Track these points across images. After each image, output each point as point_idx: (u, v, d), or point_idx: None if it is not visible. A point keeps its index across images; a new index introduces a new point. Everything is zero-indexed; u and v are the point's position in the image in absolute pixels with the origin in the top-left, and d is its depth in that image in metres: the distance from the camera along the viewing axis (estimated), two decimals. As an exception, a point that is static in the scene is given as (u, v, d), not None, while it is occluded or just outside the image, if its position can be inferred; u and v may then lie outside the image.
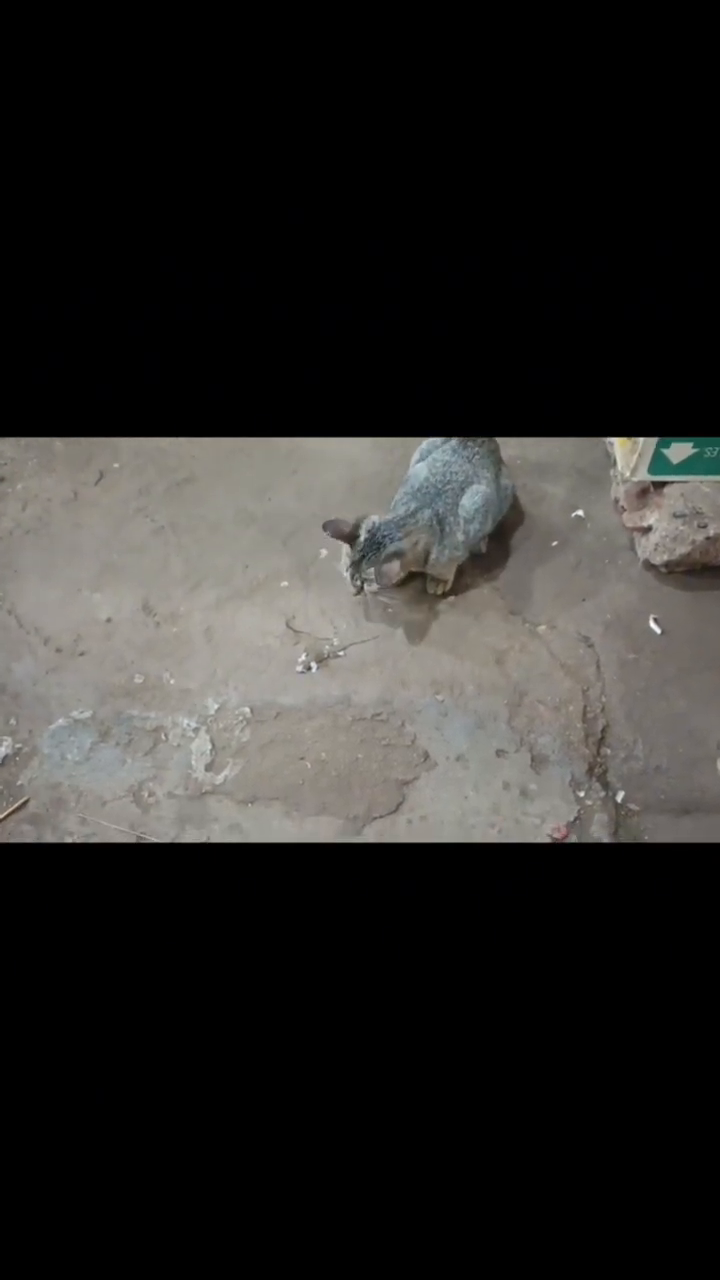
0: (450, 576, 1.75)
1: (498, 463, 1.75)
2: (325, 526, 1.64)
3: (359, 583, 1.65)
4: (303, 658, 1.66)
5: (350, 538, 1.62)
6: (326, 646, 1.68)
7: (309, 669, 1.65)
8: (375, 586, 1.67)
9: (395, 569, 1.62)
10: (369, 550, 1.60)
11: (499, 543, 1.84)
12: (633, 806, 1.47)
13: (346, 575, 1.65)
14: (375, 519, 1.62)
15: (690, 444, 1.61)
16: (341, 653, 1.67)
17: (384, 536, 1.59)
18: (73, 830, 1.44)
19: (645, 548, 1.76)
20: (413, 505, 1.65)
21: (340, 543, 1.65)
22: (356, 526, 1.61)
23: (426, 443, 1.77)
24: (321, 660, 1.66)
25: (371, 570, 1.61)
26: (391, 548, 1.59)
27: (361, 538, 1.60)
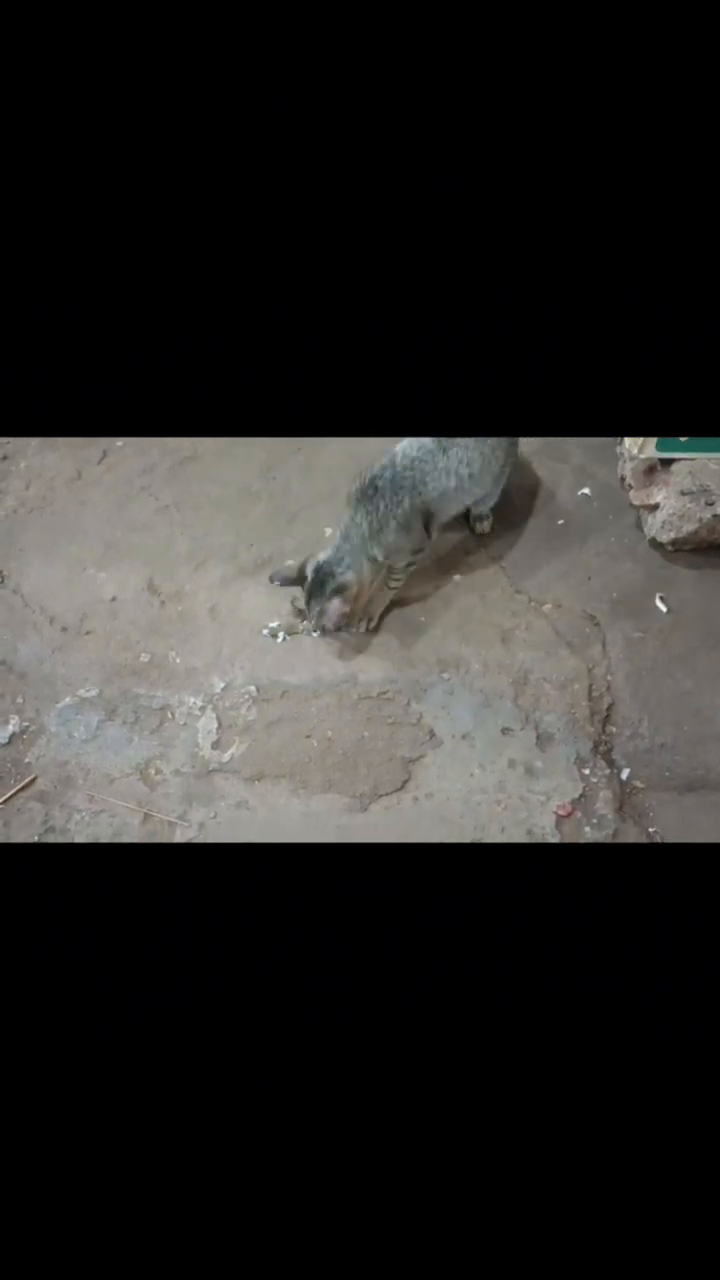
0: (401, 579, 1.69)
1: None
2: (272, 578, 1.62)
3: (313, 623, 1.61)
4: (273, 624, 1.67)
5: (299, 579, 1.59)
6: (303, 624, 1.68)
7: (276, 636, 1.66)
8: (324, 628, 1.61)
9: (337, 606, 1.54)
10: (315, 589, 1.56)
11: (505, 521, 1.83)
12: (637, 784, 1.47)
13: (306, 622, 1.63)
14: (321, 556, 1.57)
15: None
16: (315, 633, 1.66)
17: (327, 573, 1.54)
18: (80, 807, 1.45)
19: (652, 525, 1.75)
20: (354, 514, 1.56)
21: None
22: (303, 567, 1.58)
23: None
24: (294, 633, 1.67)
25: (318, 610, 1.57)
26: (336, 581, 1.54)
27: (309, 577, 1.56)
